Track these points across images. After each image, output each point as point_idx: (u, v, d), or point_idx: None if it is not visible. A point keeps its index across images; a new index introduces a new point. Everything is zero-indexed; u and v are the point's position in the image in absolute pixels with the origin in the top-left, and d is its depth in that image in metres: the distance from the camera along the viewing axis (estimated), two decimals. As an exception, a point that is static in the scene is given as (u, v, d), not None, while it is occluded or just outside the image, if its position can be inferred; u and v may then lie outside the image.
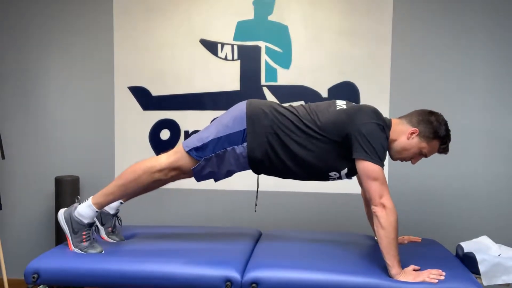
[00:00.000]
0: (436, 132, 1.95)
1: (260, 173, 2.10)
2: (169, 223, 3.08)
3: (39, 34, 3.20)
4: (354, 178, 2.11)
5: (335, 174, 2.01)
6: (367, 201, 2.23)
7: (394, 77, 2.95)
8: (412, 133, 1.96)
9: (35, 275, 1.86)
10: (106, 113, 3.17)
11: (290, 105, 2.06)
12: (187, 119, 3.12)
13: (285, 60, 3.03)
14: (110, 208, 2.19)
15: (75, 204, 2.04)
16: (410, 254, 2.01)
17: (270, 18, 3.03)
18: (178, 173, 2.04)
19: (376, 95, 2.97)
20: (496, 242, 2.21)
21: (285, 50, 3.03)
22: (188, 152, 1.99)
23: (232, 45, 3.06)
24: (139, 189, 2.05)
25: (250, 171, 2.07)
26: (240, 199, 3.06)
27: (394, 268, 1.79)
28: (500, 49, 2.88)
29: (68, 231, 2.00)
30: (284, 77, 3.04)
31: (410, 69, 2.94)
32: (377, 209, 1.82)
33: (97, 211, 2.03)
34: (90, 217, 2.01)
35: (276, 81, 3.04)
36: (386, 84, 2.96)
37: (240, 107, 2.02)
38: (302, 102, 3.02)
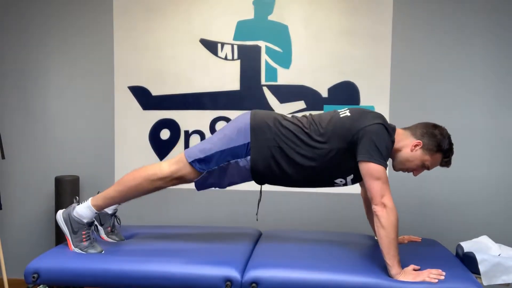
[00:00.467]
0: (439, 145, 1.96)
1: (264, 184, 2.10)
2: (169, 223, 3.08)
3: (39, 34, 3.20)
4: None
5: (340, 181, 2.02)
6: (367, 201, 2.23)
7: (394, 77, 2.95)
8: (416, 145, 1.97)
9: (35, 275, 1.87)
10: (106, 113, 3.17)
11: (293, 116, 2.06)
12: (187, 119, 3.12)
13: (285, 60, 3.03)
14: (109, 208, 2.18)
15: (74, 204, 2.05)
16: (410, 254, 2.01)
17: (270, 18, 3.03)
18: (179, 182, 2.04)
19: (376, 95, 2.97)
20: (496, 242, 2.21)
21: (285, 50, 3.03)
22: (191, 163, 2.00)
23: (232, 45, 3.06)
24: (139, 195, 2.05)
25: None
26: (240, 199, 3.06)
27: (394, 268, 1.79)
28: (500, 49, 2.88)
29: (68, 231, 2.00)
30: (284, 77, 3.04)
31: (410, 69, 2.94)
32: (377, 209, 1.83)
33: (96, 212, 2.03)
34: (89, 218, 2.01)
35: (276, 81, 3.04)
36: (386, 84, 2.96)
37: (245, 119, 2.02)
38: (302, 102, 3.03)
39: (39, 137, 3.23)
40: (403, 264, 1.83)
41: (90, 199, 2.04)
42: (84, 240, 1.99)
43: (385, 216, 1.81)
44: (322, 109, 3.01)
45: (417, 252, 2.12)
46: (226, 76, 3.07)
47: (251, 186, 2.17)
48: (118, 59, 3.15)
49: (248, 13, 3.04)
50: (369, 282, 1.75)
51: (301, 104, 3.03)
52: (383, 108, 2.95)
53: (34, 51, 3.21)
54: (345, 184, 2.04)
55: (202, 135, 3.11)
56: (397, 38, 2.94)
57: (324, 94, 3.01)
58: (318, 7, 2.99)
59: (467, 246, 2.14)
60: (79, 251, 1.98)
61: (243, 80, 3.06)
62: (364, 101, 2.97)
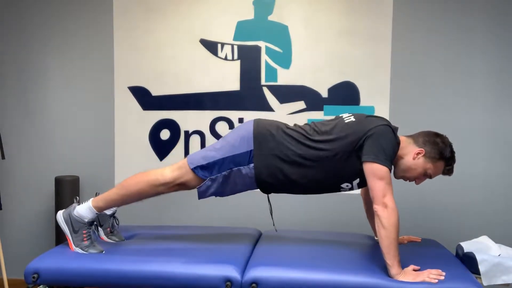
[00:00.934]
0: (441, 153, 1.97)
1: (270, 193, 2.11)
2: (169, 223, 3.08)
3: (39, 34, 3.19)
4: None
5: (347, 186, 2.02)
6: (367, 201, 2.23)
7: (394, 77, 2.95)
8: (418, 153, 1.98)
9: (35, 275, 1.87)
10: (106, 113, 3.17)
11: (296, 124, 2.08)
12: (187, 119, 3.12)
13: (285, 60, 3.03)
14: (108, 209, 2.19)
15: (74, 204, 2.05)
16: (410, 254, 2.02)
17: (270, 18, 3.03)
18: (181, 188, 2.06)
19: (376, 95, 2.97)
20: (496, 242, 2.21)
21: (285, 50, 3.03)
22: (193, 169, 2.00)
23: (232, 45, 3.06)
24: (140, 199, 2.07)
25: None
26: (241, 199, 3.05)
27: (394, 268, 1.79)
28: (500, 49, 2.88)
29: (68, 231, 2.01)
30: (284, 77, 3.03)
31: (410, 69, 2.94)
32: (379, 208, 1.83)
33: (96, 214, 2.04)
34: (90, 218, 2.02)
35: (276, 81, 3.04)
36: (386, 84, 2.96)
37: (248, 127, 2.02)
38: (302, 102, 3.03)
39: (39, 137, 3.23)
40: (403, 264, 1.83)
41: (91, 200, 2.04)
42: (85, 239, 2.00)
43: (386, 216, 1.81)
44: (322, 109, 3.01)
45: (417, 252, 2.12)
46: (226, 76, 3.07)
47: (251, 186, 2.16)
48: (118, 59, 3.15)
49: (248, 13, 3.04)
50: (369, 282, 1.75)
51: (301, 104, 3.03)
52: (383, 108, 2.95)
53: (33, 51, 3.21)
54: (351, 189, 2.04)
55: (202, 135, 3.11)
56: (397, 38, 2.94)
57: (324, 94, 3.01)
58: (318, 7, 2.98)
59: (467, 246, 2.14)
60: (80, 250, 1.98)
61: (243, 80, 3.06)
62: (364, 101, 2.97)
